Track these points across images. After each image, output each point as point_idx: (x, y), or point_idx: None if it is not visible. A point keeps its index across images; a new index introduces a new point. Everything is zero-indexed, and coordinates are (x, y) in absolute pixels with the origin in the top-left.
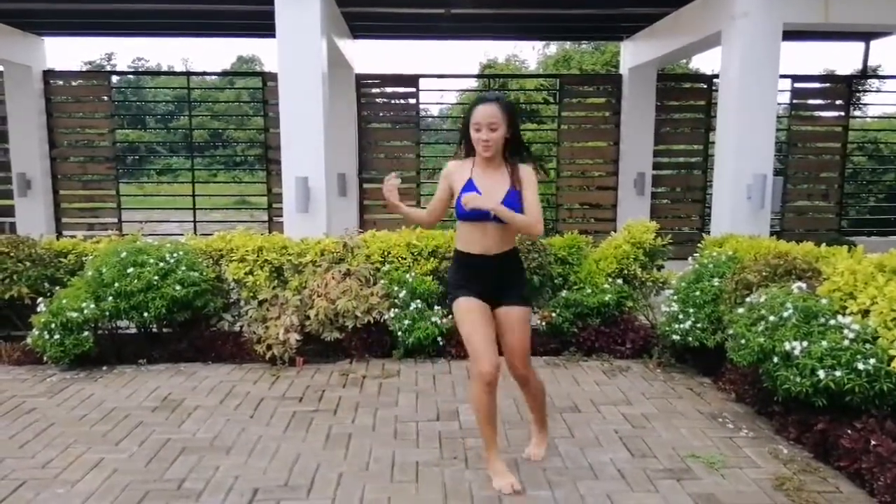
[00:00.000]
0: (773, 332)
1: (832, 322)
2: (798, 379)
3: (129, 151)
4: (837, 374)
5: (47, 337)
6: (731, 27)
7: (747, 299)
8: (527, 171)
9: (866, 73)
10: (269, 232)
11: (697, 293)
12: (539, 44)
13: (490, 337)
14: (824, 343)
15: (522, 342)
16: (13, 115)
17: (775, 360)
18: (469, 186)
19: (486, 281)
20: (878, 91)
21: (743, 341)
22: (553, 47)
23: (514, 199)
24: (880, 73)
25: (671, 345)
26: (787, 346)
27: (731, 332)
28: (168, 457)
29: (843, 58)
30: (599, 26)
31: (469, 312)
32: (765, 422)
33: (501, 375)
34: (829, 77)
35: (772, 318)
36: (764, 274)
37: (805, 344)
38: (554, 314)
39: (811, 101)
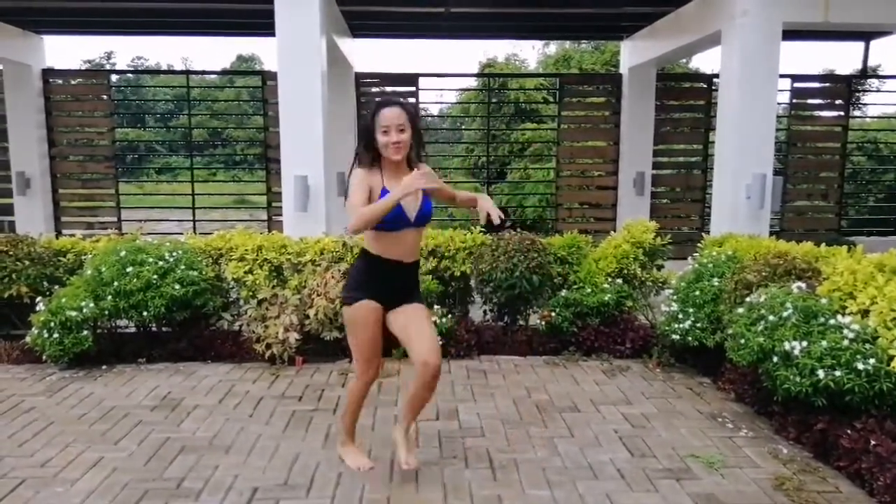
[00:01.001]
0: (773, 332)
1: (832, 322)
2: (798, 379)
3: (128, 150)
4: (837, 373)
5: (46, 336)
6: (730, 26)
7: (747, 299)
8: (427, 169)
9: (866, 73)
10: (269, 231)
11: (697, 293)
12: (539, 43)
13: (381, 345)
14: (824, 343)
15: (430, 330)
16: (12, 114)
17: (775, 359)
18: (384, 193)
19: (396, 286)
20: (878, 91)
21: (742, 341)
22: (553, 47)
23: (426, 202)
24: (880, 73)
25: (671, 344)
26: (787, 345)
27: (730, 331)
28: (167, 456)
29: (842, 57)
30: (599, 25)
31: (369, 318)
32: (764, 422)
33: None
34: (828, 77)
35: (771, 317)
36: (764, 274)
37: (805, 344)
38: (553, 314)
39: (811, 101)
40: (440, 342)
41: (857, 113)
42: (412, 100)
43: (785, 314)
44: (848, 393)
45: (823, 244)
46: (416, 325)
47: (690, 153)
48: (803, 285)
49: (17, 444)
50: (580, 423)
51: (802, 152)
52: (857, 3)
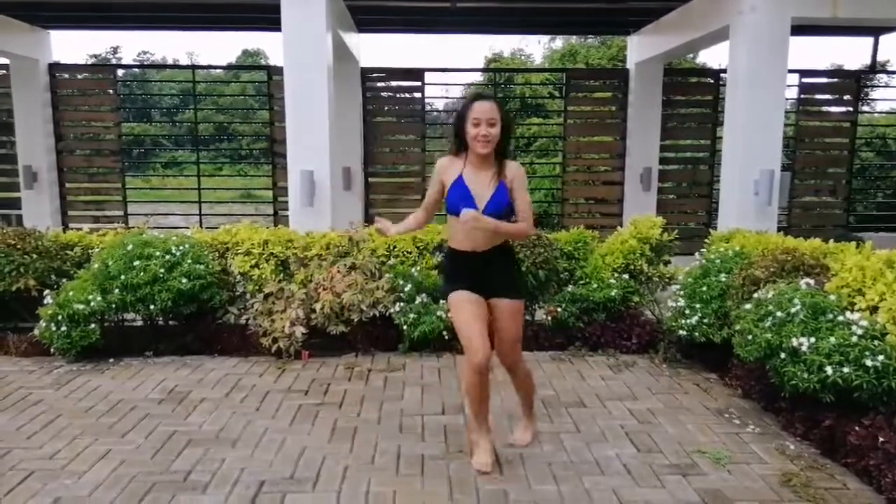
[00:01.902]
0: (781, 328)
1: (840, 318)
2: (805, 375)
3: (134, 144)
4: (845, 370)
5: (54, 329)
6: (738, 22)
7: (755, 295)
8: (516, 168)
9: (875, 69)
10: (275, 225)
11: (704, 288)
12: (545, 38)
13: (481, 329)
14: (832, 339)
15: (510, 334)
16: (19, 108)
17: (782, 355)
18: (459, 182)
19: (475, 276)
20: (886, 86)
21: (750, 337)
22: (559, 42)
23: (502, 194)
24: (889, 69)
25: (677, 340)
26: (795, 341)
27: (738, 327)
28: (174, 449)
29: (850, 53)
30: (606, 20)
31: (462, 304)
32: (771, 418)
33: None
34: (837, 72)
35: (779, 313)
36: (771, 270)
37: (813, 340)
38: (560, 309)
39: (819, 97)
40: (447, 337)
41: (865, 108)
42: (418, 95)
43: (793, 310)
44: (856, 390)
45: (831, 241)
46: (499, 326)
47: (697, 148)
48: (811, 281)
49: (26, 437)
50: (586, 418)
51: (810, 148)
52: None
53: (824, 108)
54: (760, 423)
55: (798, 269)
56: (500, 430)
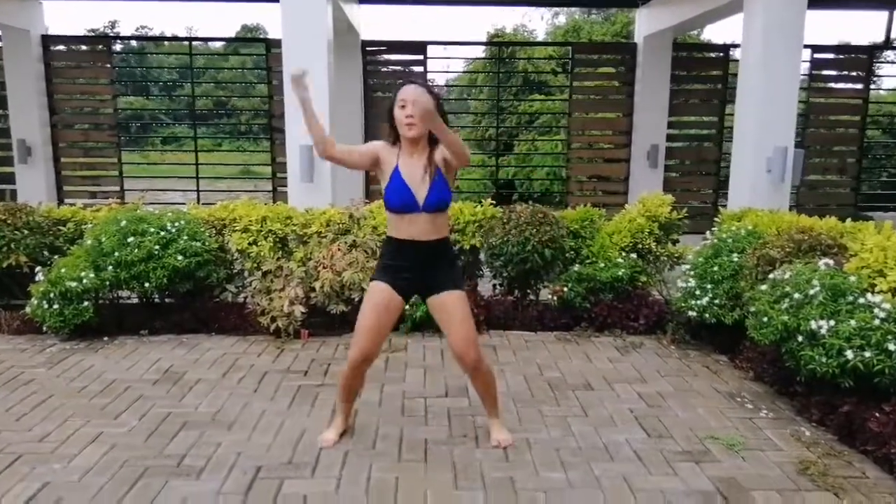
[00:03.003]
0: (798, 311)
1: (861, 301)
2: (824, 359)
3: (132, 119)
4: (867, 354)
5: (46, 307)
6: None
7: (770, 276)
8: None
9: (889, 44)
10: (274, 202)
11: (716, 268)
12: (548, 14)
13: (377, 329)
14: (852, 322)
15: (466, 326)
16: (12, 81)
17: (800, 339)
18: (396, 175)
19: (414, 267)
20: (894, 63)
21: (765, 319)
22: (562, 17)
23: (441, 188)
24: None
25: (686, 321)
26: (814, 324)
27: (752, 309)
28: (168, 432)
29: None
30: None
31: (375, 298)
32: (785, 402)
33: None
34: (849, 48)
35: (797, 295)
36: (787, 250)
37: (832, 323)
38: (566, 289)
39: (831, 73)
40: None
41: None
42: (420, 69)
43: (811, 292)
44: (877, 375)
45: (848, 220)
46: (451, 319)
47: (705, 125)
48: (830, 262)
49: (15, 418)
50: (594, 401)
51: (820, 126)
52: None
53: (836, 85)
54: (774, 407)
55: (815, 250)
56: (510, 417)
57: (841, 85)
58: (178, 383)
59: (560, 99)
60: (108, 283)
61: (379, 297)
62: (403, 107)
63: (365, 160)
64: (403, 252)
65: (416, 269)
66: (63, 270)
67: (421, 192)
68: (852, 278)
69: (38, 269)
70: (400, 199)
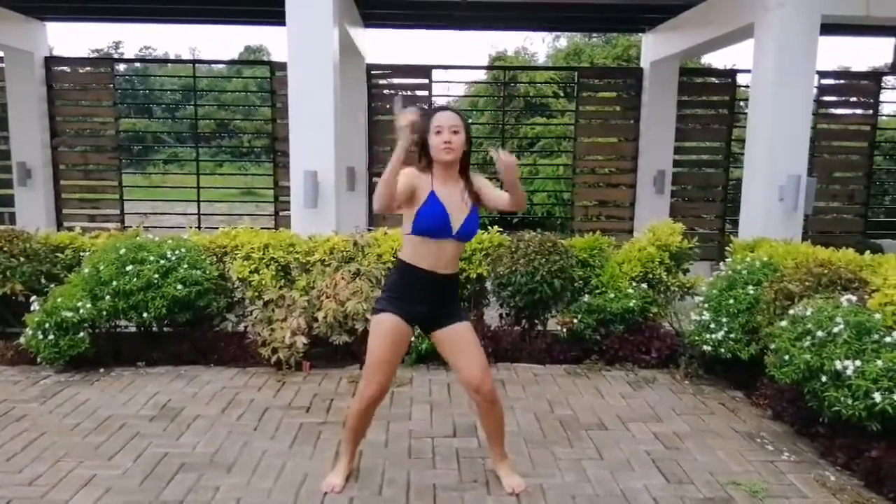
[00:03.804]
0: (821, 349)
1: (887, 339)
2: (850, 401)
3: (133, 141)
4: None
5: (41, 337)
6: (764, 19)
7: (789, 311)
8: (479, 178)
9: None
10: (275, 225)
11: (731, 301)
12: (549, 36)
13: (392, 363)
14: (879, 363)
15: (481, 356)
16: (13, 103)
17: (823, 378)
18: (432, 199)
19: (427, 300)
20: (894, 88)
21: (787, 357)
22: (563, 40)
23: (474, 217)
24: None
25: (700, 355)
26: (839, 364)
27: (773, 346)
28: (165, 474)
29: (857, 54)
30: (621, 17)
31: (390, 332)
32: (807, 443)
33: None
34: (857, 73)
35: (820, 333)
36: (807, 284)
37: (858, 363)
38: (575, 320)
39: (838, 98)
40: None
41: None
42: (425, 93)
43: (835, 330)
44: None
45: (851, 248)
46: (464, 349)
47: (712, 151)
48: (853, 298)
49: (6, 458)
50: (609, 442)
51: (828, 151)
52: None
53: (843, 111)
54: (795, 449)
55: (835, 284)
56: (522, 460)
57: (849, 111)
58: (175, 420)
59: (562, 123)
60: (105, 312)
61: (392, 330)
62: (439, 132)
63: (407, 194)
64: (419, 283)
65: (429, 302)
66: (59, 300)
67: (457, 217)
68: (877, 315)
69: (33, 298)
70: (435, 222)
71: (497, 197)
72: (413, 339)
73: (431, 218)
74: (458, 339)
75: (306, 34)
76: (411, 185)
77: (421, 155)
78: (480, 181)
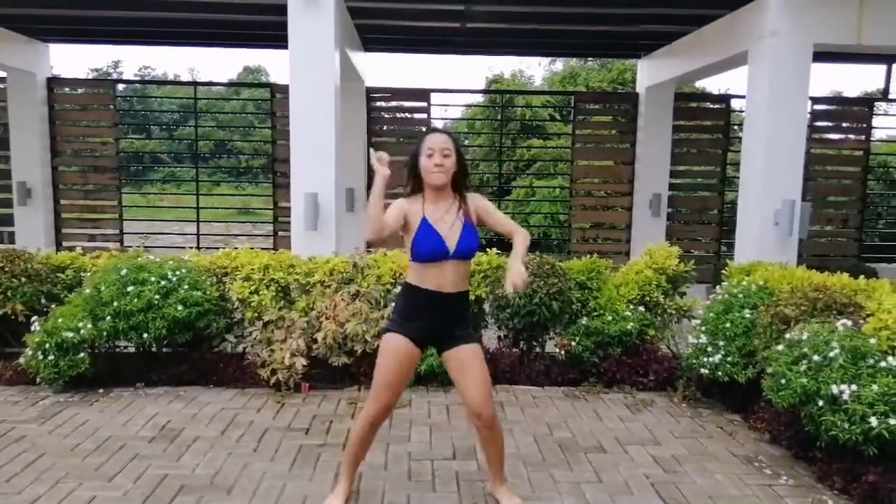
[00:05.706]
0: (818, 373)
1: (882, 364)
2: (847, 426)
3: (133, 160)
4: (892, 422)
5: (41, 357)
6: (758, 47)
7: (786, 335)
8: (478, 198)
9: (888, 96)
10: (274, 245)
11: (728, 325)
12: (545, 60)
13: (400, 383)
14: (875, 387)
15: (485, 379)
16: (15, 123)
17: (820, 403)
18: (424, 225)
19: (437, 318)
20: (886, 114)
21: (783, 381)
22: (559, 64)
23: (470, 237)
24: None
25: (697, 377)
26: (835, 388)
27: (769, 370)
28: (164, 496)
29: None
30: (617, 43)
31: (397, 353)
32: (804, 467)
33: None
34: (850, 99)
35: (816, 357)
36: (802, 308)
37: (854, 387)
38: (574, 342)
39: (831, 124)
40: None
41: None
42: (424, 116)
43: (831, 354)
44: None
45: (846, 272)
46: (470, 372)
47: (707, 174)
48: (849, 322)
49: (5, 479)
50: (607, 465)
51: (821, 176)
52: (891, 26)
53: (836, 136)
54: (793, 473)
55: (830, 308)
56: (521, 483)
57: (842, 136)
58: (175, 441)
59: (559, 146)
60: (105, 333)
61: (401, 351)
62: (431, 155)
63: (400, 223)
64: (427, 303)
65: (438, 322)
66: (60, 320)
67: (451, 237)
68: (872, 340)
69: (34, 318)
70: (430, 247)
71: (500, 226)
72: None
73: (427, 244)
74: (466, 363)
75: (308, 59)
76: (402, 216)
77: (411, 178)
78: (483, 204)
